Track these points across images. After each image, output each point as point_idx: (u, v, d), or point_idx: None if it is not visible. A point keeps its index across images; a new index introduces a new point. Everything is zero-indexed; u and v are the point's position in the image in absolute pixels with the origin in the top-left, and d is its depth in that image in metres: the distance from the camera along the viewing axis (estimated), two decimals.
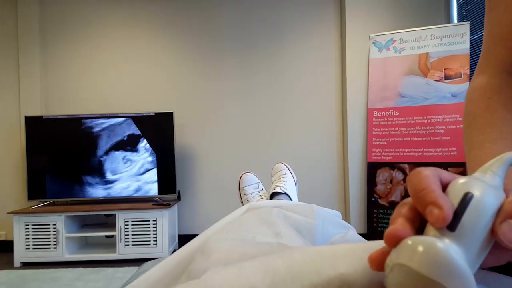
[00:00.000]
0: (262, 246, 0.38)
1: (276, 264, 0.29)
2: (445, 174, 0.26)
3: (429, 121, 2.58)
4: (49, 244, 2.49)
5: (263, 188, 1.27)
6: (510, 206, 0.23)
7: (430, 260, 0.20)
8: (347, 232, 0.60)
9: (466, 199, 0.23)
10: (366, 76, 2.77)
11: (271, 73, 2.92)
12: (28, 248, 2.49)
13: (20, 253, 2.48)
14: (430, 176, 0.24)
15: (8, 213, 2.53)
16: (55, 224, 2.49)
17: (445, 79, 2.56)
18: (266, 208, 0.57)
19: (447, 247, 0.21)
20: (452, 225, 0.22)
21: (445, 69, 2.56)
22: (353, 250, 0.31)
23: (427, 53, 2.60)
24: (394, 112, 2.66)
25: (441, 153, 2.54)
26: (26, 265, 2.49)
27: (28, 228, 2.49)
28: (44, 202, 2.73)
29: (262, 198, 1.20)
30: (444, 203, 0.22)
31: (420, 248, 0.21)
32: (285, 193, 1.10)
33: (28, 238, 2.49)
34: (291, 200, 1.09)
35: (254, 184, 1.25)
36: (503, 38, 0.49)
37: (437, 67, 2.58)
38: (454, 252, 0.21)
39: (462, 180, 0.25)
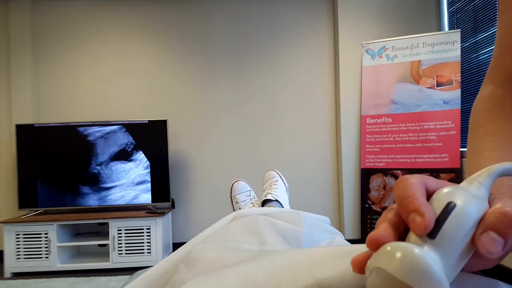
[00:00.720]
0: (243, 253, 0.38)
1: (256, 274, 0.29)
2: (432, 182, 0.26)
3: (421, 127, 2.60)
4: (41, 254, 2.46)
5: (255, 195, 1.28)
6: (491, 217, 0.23)
7: (406, 266, 0.21)
8: (334, 238, 0.61)
9: (448, 208, 0.24)
10: (359, 83, 2.79)
11: (264, 80, 2.93)
12: (19, 258, 2.45)
13: (11, 263, 2.44)
14: (415, 184, 0.25)
15: None
16: (46, 233, 2.46)
17: (437, 86, 2.59)
18: (252, 216, 0.57)
19: (424, 254, 0.21)
20: (432, 233, 0.23)
21: (437, 76, 2.59)
22: (329, 254, 0.31)
23: (419, 60, 2.63)
24: (387, 119, 2.68)
25: (433, 159, 2.56)
26: (17, 275, 2.46)
27: (19, 238, 2.45)
28: (36, 211, 2.69)
29: (254, 205, 1.21)
30: (426, 211, 0.23)
31: (398, 254, 0.21)
32: (277, 200, 1.10)
33: (19, 248, 2.45)
34: (282, 207, 1.10)
35: (245, 192, 1.26)
36: (509, 48, 0.48)
37: (429, 74, 2.61)
38: (431, 259, 0.21)
39: (446, 189, 0.25)
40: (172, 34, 2.92)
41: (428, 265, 0.21)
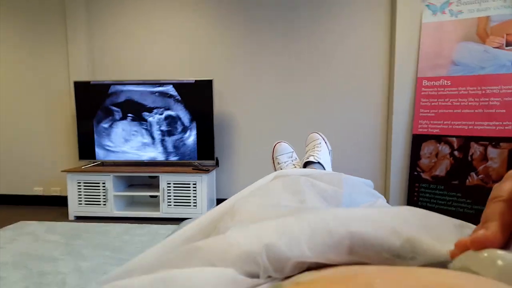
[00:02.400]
0: (282, 209, 0.39)
1: (292, 225, 0.30)
2: None
3: (483, 92, 2.39)
4: (99, 201, 2.69)
5: (297, 157, 1.27)
6: None
7: (508, 275, 0.20)
8: (376, 201, 0.59)
9: None
10: (417, 42, 2.58)
11: (312, 39, 2.81)
12: (81, 204, 2.70)
13: (74, 208, 2.70)
14: None
15: (62, 171, 2.74)
16: (104, 183, 2.67)
17: (506, 46, 2.33)
18: (293, 176, 0.57)
19: None
20: None
21: (507, 34, 2.32)
22: (368, 214, 0.31)
23: (488, 16, 2.37)
24: (446, 81, 2.49)
25: (494, 127, 2.37)
26: (79, 219, 2.72)
27: (80, 186, 2.68)
28: (94, 162, 2.91)
29: (295, 167, 1.20)
30: None
31: (499, 263, 0.21)
32: (319, 163, 1.09)
33: (81, 195, 2.69)
34: (324, 169, 1.08)
35: (288, 153, 1.26)
36: None
37: (497, 32, 2.35)
38: None
39: None
40: None
41: None
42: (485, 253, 0.22)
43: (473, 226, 0.27)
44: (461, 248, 0.24)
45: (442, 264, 0.25)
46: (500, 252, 0.22)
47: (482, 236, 0.23)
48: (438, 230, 0.30)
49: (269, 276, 0.28)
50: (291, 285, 0.24)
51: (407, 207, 0.33)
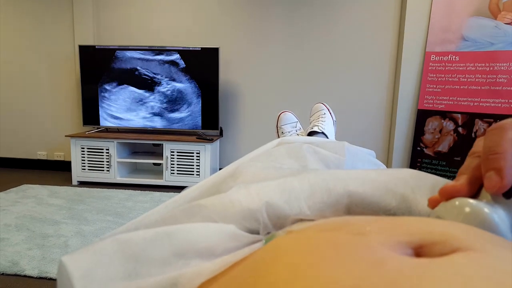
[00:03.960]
0: (283, 170, 0.40)
1: (292, 184, 0.31)
2: None
3: (491, 68, 2.38)
4: (103, 167, 2.70)
5: (301, 127, 1.27)
6: None
7: (473, 222, 0.22)
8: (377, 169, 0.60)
9: None
10: (428, 16, 2.54)
11: (322, 9, 2.76)
12: (84, 169, 2.71)
13: (77, 173, 2.71)
14: (510, 140, 0.23)
15: (66, 136, 2.73)
16: (108, 149, 2.67)
17: None
18: (296, 143, 0.57)
19: (492, 213, 0.22)
20: (509, 193, 0.23)
21: None
22: (367, 174, 0.32)
23: None
24: (454, 57, 2.47)
25: (499, 104, 2.37)
26: (82, 184, 2.74)
27: (83, 151, 2.69)
28: (98, 128, 2.91)
29: (299, 136, 1.20)
30: (507, 175, 0.22)
31: (467, 209, 0.23)
32: (323, 133, 1.10)
33: (84, 160, 2.70)
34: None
35: (292, 123, 1.26)
36: None
37: (510, 7, 2.31)
38: (499, 218, 0.22)
39: None
40: None
41: (495, 224, 0.21)
42: (456, 202, 0.24)
43: None
44: (433, 202, 0.26)
45: None
46: (471, 200, 0.23)
47: (450, 186, 0.25)
48: (433, 190, 0.31)
49: (269, 233, 0.28)
50: (284, 233, 0.25)
51: (405, 169, 0.34)
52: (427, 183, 0.32)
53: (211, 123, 2.77)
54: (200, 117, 2.77)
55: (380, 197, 0.29)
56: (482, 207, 0.22)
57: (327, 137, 1.10)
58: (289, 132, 1.24)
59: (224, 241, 0.26)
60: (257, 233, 0.28)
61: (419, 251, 0.18)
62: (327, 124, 1.15)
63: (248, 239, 0.27)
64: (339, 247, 0.19)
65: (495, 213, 0.22)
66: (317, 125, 1.13)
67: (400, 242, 0.19)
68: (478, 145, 0.26)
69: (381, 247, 0.18)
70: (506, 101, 2.35)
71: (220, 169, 2.65)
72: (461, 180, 0.25)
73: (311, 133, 1.11)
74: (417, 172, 0.33)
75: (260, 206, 0.29)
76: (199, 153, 2.63)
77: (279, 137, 1.27)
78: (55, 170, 3.12)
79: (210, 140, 2.65)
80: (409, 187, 0.30)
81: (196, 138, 2.69)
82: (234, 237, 0.27)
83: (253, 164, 0.45)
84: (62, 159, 3.11)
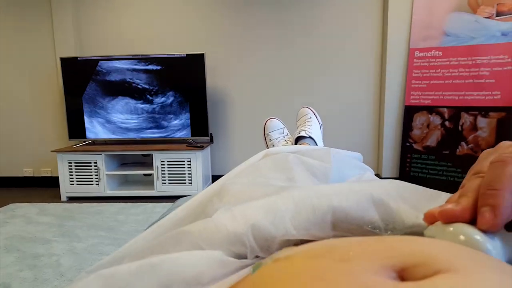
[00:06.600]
0: (269, 188, 0.40)
1: (277, 204, 0.31)
2: None
3: (473, 62, 2.42)
4: (92, 181, 2.64)
5: (288, 133, 1.29)
6: None
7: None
8: (364, 174, 0.62)
9: None
10: (410, 12, 2.58)
11: (305, 10, 2.78)
12: (73, 184, 2.65)
13: (66, 188, 2.65)
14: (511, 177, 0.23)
15: (52, 151, 2.67)
16: (96, 162, 2.62)
17: (496, 16, 2.36)
18: (282, 154, 0.58)
19: (486, 243, 0.22)
20: (510, 226, 0.23)
21: (497, 4, 2.34)
22: (349, 186, 0.33)
23: None
24: (437, 52, 2.51)
25: (483, 97, 2.42)
26: (71, 199, 2.68)
27: (71, 166, 2.63)
28: (84, 141, 2.85)
29: (287, 142, 1.23)
30: (502, 214, 0.22)
31: (462, 238, 0.22)
32: (310, 137, 1.11)
33: (72, 175, 2.64)
34: (316, 143, 1.11)
35: (279, 129, 1.28)
36: None
37: (488, 2, 2.37)
38: (492, 247, 0.22)
39: None
40: None
41: (487, 252, 0.21)
42: (451, 228, 0.23)
43: (449, 195, 0.28)
44: (430, 218, 0.25)
45: (420, 234, 0.26)
46: (466, 228, 0.23)
47: (450, 210, 0.24)
48: (415, 201, 0.31)
49: (257, 256, 0.28)
50: (270, 261, 0.24)
51: (388, 180, 0.35)
52: (408, 193, 0.32)
53: (200, 130, 2.74)
54: (189, 124, 2.74)
55: (363, 211, 0.29)
56: (477, 237, 0.22)
57: (315, 141, 1.11)
58: (276, 138, 1.25)
59: (211, 269, 0.26)
60: (245, 257, 0.28)
61: (402, 274, 0.18)
62: (313, 128, 1.17)
63: (236, 265, 0.27)
64: (324, 276, 0.19)
65: (490, 244, 0.22)
66: (304, 130, 1.14)
67: (383, 266, 0.19)
68: (482, 165, 0.26)
69: (365, 273, 0.18)
70: (490, 93, 2.40)
71: (212, 176, 2.63)
72: (463, 203, 0.24)
73: (298, 138, 1.12)
74: (399, 182, 0.34)
75: (245, 230, 0.28)
76: (190, 161, 2.60)
77: (267, 144, 1.30)
78: (43, 187, 3.04)
79: (201, 147, 2.62)
80: (392, 199, 0.31)
81: (187, 146, 2.66)
82: (221, 263, 0.26)
83: (238, 181, 0.46)
84: (49, 175, 3.04)
